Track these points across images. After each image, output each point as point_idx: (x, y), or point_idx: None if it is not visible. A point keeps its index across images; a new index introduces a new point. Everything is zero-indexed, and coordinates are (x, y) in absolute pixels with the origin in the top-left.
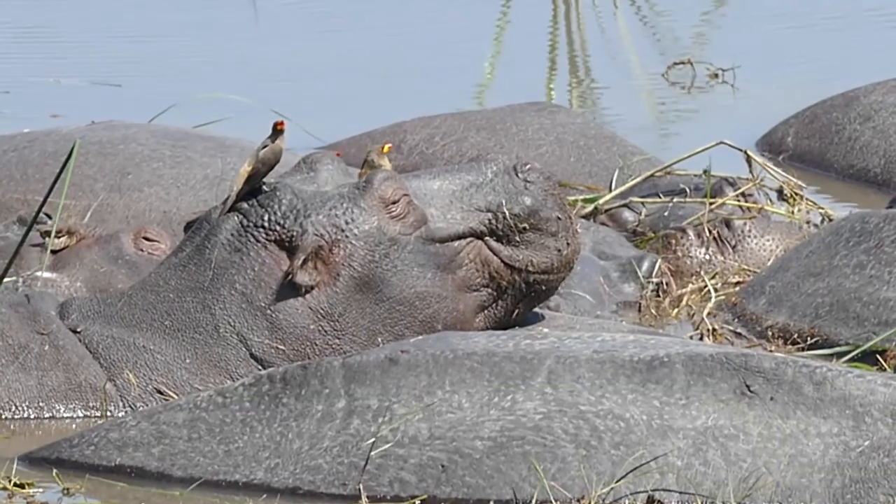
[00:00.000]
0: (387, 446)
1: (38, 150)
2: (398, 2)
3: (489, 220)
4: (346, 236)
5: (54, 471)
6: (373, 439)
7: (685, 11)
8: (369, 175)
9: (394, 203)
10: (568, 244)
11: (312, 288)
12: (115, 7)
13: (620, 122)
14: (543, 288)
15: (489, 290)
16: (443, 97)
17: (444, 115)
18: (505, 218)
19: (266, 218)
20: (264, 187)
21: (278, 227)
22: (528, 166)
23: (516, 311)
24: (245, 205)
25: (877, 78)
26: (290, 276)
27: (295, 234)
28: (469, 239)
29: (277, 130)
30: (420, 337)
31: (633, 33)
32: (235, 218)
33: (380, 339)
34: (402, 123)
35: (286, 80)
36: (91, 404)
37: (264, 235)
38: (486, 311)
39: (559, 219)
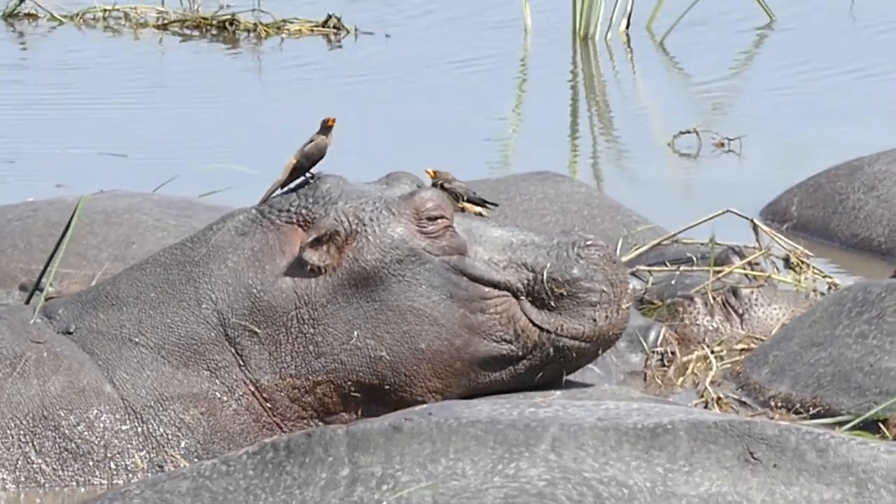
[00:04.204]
0: None
1: (42, 219)
2: (407, 72)
3: (529, 279)
4: (366, 230)
5: None
6: None
7: (704, 76)
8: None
9: (430, 220)
10: (606, 317)
11: (319, 271)
12: (123, 80)
13: (635, 190)
14: (574, 355)
15: (513, 347)
16: (461, 165)
17: None
18: (542, 281)
19: (295, 203)
20: (309, 179)
21: (304, 211)
22: (589, 242)
23: (541, 373)
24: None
25: (881, 147)
26: (297, 254)
27: (318, 216)
28: (504, 293)
29: (327, 126)
30: (423, 405)
31: (653, 97)
32: (254, 210)
33: (356, 334)
34: None
35: (291, 149)
36: (95, 411)
37: (286, 217)
38: (509, 368)
39: (604, 292)
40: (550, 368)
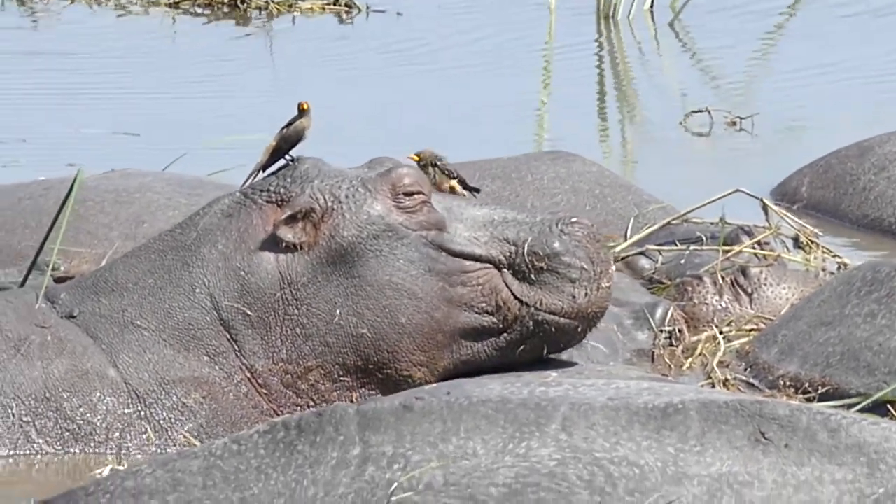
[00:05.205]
0: (404, 495)
1: (54, 198)
2: (421, 50)
3: (510, 252)
4: (341, 207)
5: None
6: (391, 488)
7: (724, 56)
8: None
9: (406, 195)
10: (585, 294)
11: (295, 248)
12: (134, 58)
13: (646, 168)
14: (553, 330)
15: (494, 319)
16: (478, 143)
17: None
18: (523, 253)
19: (274, 182)
20: (289, 161)
21: (282, 190)
22: (573, 219)
23: (522, 347)
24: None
25: (891, 128)
26: (273, 231)
27: (294, 194)
28: (486, 265)
29: (302, 110)
30: (434, 384)
31: (670, 75)
32: (238, 193)
33: (338, 312)
34: None
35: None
36: (98, 394)
37: (266, 197)
38: (491, 340)
39: (584, 269)
40: (531, 343)
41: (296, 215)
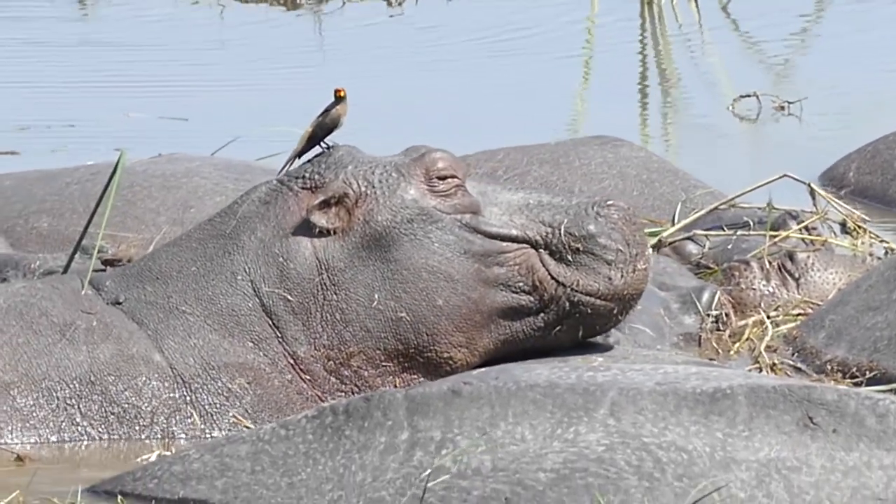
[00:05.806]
0: (446, 477)
1: (101, 182)
2: (469, 35)
3: (547, 233)
4: (375, 192)
5: (119, 497)
6: (429, 470)
7: (768, 40)
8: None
9: (440, 179)
10: (622, 276)
11: (328, 232)
12: (183, 43)
13: (694, 153)
14: (589, 311)
15: (531, 298)
16: (526, 128)
17: (508, 149)
18: (560, 234)
19: (309, 169)
20: (325, 148)
21: (316, 176)
22: (609, 202)
23: (558, 328)
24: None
25: None
26: (307, 215)
27: (328, 180)
28: (523, 245)
29: (339, 97)
30: (482, 369)
31: (716, 60)
32: (275, 180)
33: (376, 297)
34: (465, 157)
35: (352, 115)
36: (143, 378)
37: (301, 184)
38: (528, 320)
39: (620, 251)
40: (567, 324)
41: (329, 200)
